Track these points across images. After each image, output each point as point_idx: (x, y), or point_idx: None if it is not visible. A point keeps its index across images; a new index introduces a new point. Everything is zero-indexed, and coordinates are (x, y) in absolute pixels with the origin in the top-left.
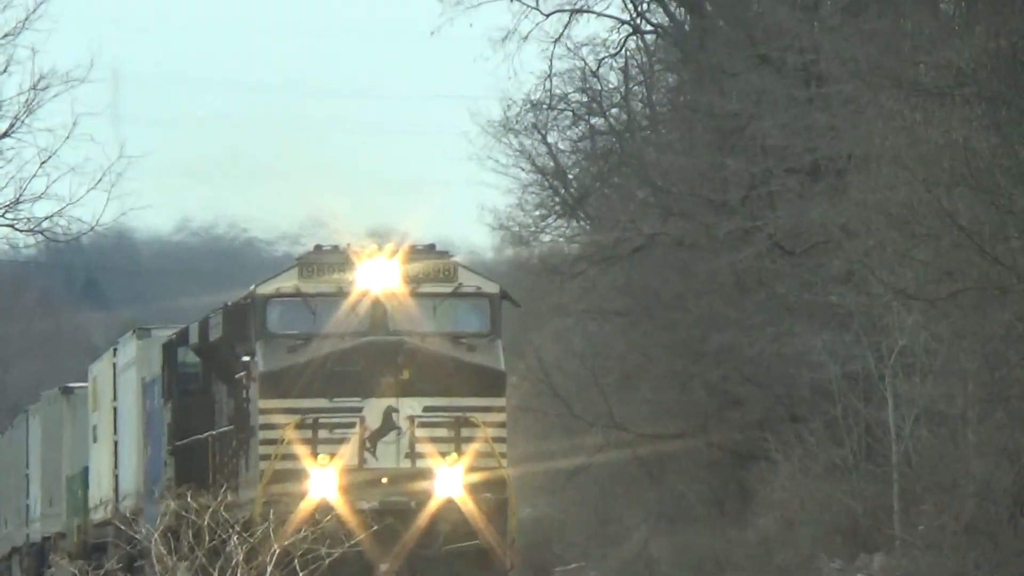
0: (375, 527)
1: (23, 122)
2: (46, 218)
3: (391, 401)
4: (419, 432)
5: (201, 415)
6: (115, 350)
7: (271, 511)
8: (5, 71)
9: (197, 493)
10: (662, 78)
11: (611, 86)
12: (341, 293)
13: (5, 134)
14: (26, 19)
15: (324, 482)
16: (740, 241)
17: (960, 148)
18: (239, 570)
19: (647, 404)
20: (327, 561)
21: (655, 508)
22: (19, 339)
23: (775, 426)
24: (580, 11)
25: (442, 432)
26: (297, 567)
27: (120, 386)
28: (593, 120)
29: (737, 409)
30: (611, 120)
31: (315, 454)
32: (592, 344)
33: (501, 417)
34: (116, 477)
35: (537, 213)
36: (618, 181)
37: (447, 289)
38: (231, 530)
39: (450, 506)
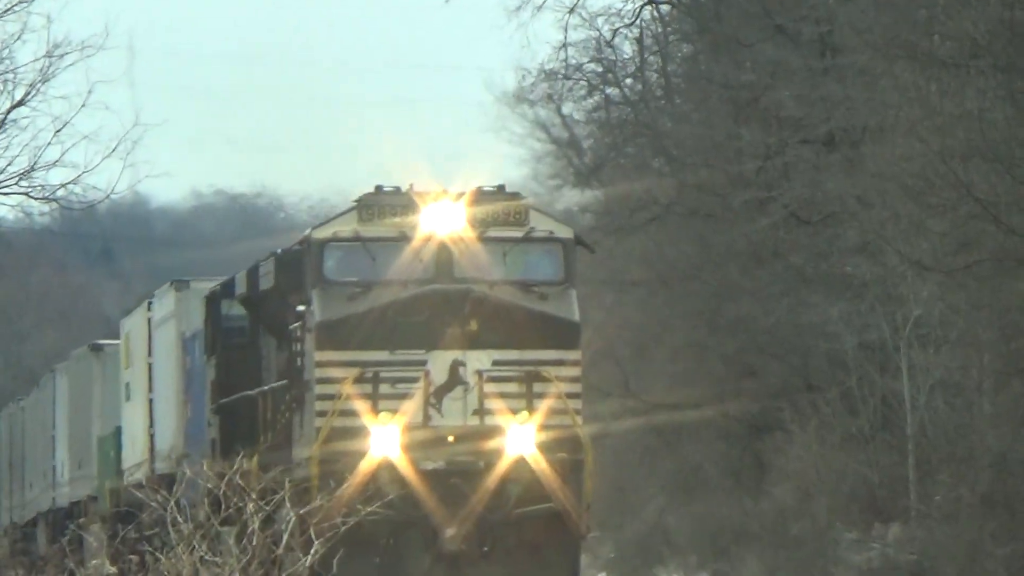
0: (441, 489)
1: (38, 90)
2: (61, 186)
3: (457, 354)
4: (487, 387)
5: (247, 371)
6: (150, 303)
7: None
8: (19, 39)
9: (245, 453)
10: (677, 48)
11: (626, 56)
12: (403, 237)
13: (21, 102)
14: None
15: (386, 440)
16: (755, 211)
17: (975, 119)
18: (289, 536)
19: (663, 374)
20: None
21: (671, 479)
22: (36, 309)
23: (791, 396)
24: None
25: (512, 387)
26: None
27: (156, 341)
28: (608, 90)
29: (753, 380)
30: (626, 90)
31: (376, 410)
32: (608, 314)
33: (575, 371)
34: (152, 437)
35: (552, 183)
36: (633, 151)
37: (517, 233)
38: (284, 492)
39: (521, 466)
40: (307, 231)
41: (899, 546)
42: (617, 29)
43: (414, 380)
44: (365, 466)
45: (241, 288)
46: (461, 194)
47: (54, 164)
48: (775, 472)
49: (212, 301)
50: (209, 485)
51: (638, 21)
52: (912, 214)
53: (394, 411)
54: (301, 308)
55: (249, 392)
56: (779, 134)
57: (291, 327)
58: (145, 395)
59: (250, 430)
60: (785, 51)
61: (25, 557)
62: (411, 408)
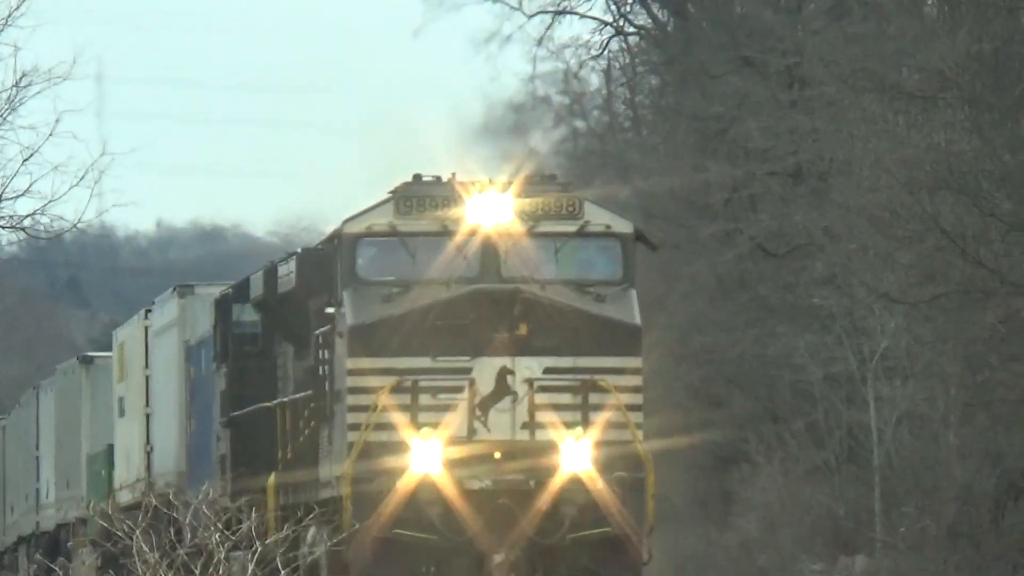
0: (487, 510)
1: (5, 119)
2: (28, 215)
3: (506, 361)
4: (539, 398)
5: (261, 381)
6: (148, 312)
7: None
8: None
9: (261, 471)
10: (645, 80)
11: (593, 88)
12: (445, 232)
13: None
14: (9, 16)
15: (426, 456)
16: (723, 243)
17: (943, 151)
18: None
19: None
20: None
21: None
22: (1, 339)
23: (757, 428)
24: (563, 12)
25: (566, 398)
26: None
27: (155, 351)
28: (575, 122)
29: (719, 411)
30: (593, 122)
31: (415, 423)
32: None
33: (636, 381)
34: (149, 455)
35: None
36: (600, 183)
37: (571, 228)
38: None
39: (576, 486)
40: (338, 224)
41: None
42: (585, 61)
43: (458, 390)
44: (404, 485)
45: (257, 291)
46: (508, 184)
47: (21, 194)
48: (741, 503)
49: (223, 305)
50: (209, 510)
51: (605, 52)
52: (879, 246)
53: (435, 424)
54: (330, 310)
55: (265, 404)
56: (746, 166)
57: (317, 332)
58: (142, 410)
59: (266, 446)
60: (753, 83)
61: None
62: (454, 421)
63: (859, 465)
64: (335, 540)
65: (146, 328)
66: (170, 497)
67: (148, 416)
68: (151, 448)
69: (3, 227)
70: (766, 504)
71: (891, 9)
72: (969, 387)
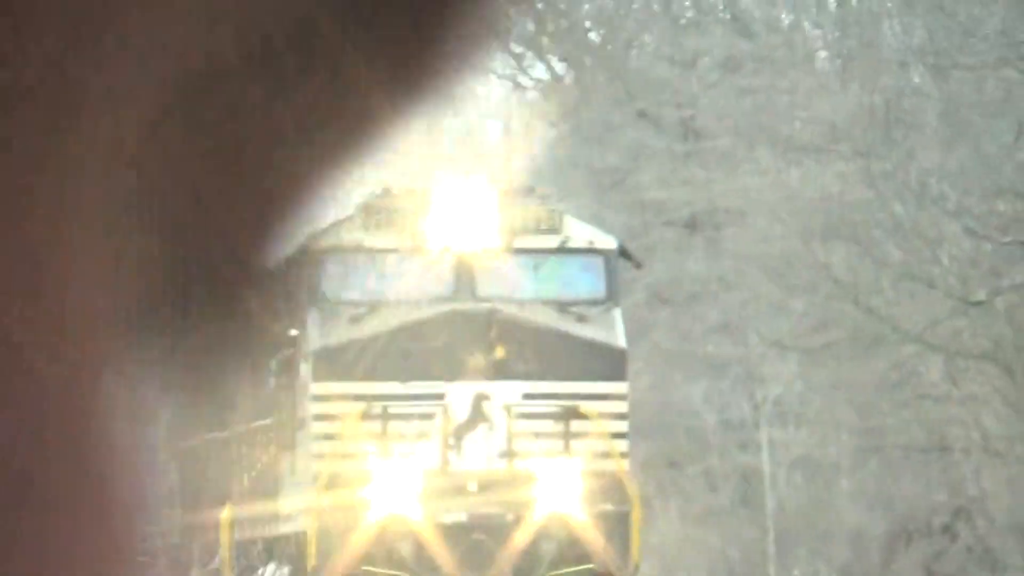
0: (462, 546)
1: None
2: None
3: (481, 385)
4: (517, 425)
5: (213, 409)
6: None
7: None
8: None
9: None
10: (542, 133)
11: (493, 141)
12: (417, 248)
13: None
14: None
15: (397, 488)
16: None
17: (835, 202)
18: None
19: None
20: None
21: None
22: None
23: (653, 472)
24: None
25: (546, 425)
26: None
27: None
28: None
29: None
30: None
31: (385, 452)
32: None
33: (622, 407)
34: None
35: None
36: None
37: (551, 243)
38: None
39: (557, 520)
40: (301, 240)
41: None
42: (484, 114)
43: (430, 417)
44: (373, 519)
45: None
46: (484, 196)
47: None
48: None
49: None
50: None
51: (504, 105)
52: (773, 294)
53: (407, 454)
54: (293, 332)
55: (215, 434)
56: (643, 216)
57: (277, 357)
58: None
59: (218, 477)
60: (648, 135)
61: None
62: (427, 450)
63: (753, 509)
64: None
65: None
66: None
67: None
68: None
69: None
70: (662, 548)
71: (784, 63)
72: (861, 432)
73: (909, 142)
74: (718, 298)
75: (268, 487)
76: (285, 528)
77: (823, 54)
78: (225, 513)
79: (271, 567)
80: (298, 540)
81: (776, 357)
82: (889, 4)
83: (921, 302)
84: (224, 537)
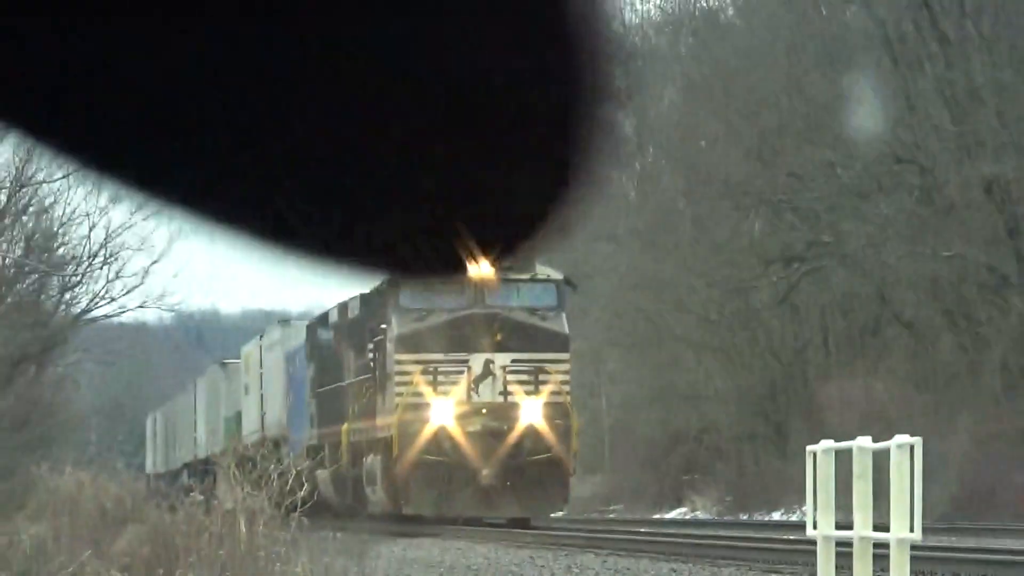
0: (479, 444)
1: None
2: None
3: (489, 355)
4: (509, 377)
5: (334, 372)
6: (260, 335)
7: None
8: None
9: (336, 423)
10: None
11: None
12: (453, 278)
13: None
14: None
15: (443, 411)
16: None
17: (672, 284)
18: (378, 473)
19: None
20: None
21: None
22: (168, 368)
23: None
24: None
25: (525, 377)
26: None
27: (265, 357)
28: None
29: None
30: None
31: (436, 392)
32: None
33: (566, 367)
34: (263, 417)
35: None
36: None
37: (526, 276)
38: (371, 447)
39: (531, 429)
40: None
41: None
42: None
43: (460, 373)
44: (428, 429)
45: (334, 317)
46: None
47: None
48: None
49: (312, 328)
50: (308, 444)
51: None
52: (607, 318)
53: (447, 392)
54: (384, 326)
55: (336, 384)
56: None
57: (375, 339)
58: (258, 391)
59: (338, 407)
60: None
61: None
62: (458, 391)
63: (597, 427)
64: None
65: (260, 346)
66: (278, 439)
67: (262, 395)
68: (264, 413)
69: (164, 309)
70: None
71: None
72: (652, 389)
73: (683, 234)
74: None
75: (367, 413)
76: (379, 435)
77: None
78: (344, 427)
79: (370, 457)
80: (386, 442)
81: (611, 349)
82: None
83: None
84: (344, 440)
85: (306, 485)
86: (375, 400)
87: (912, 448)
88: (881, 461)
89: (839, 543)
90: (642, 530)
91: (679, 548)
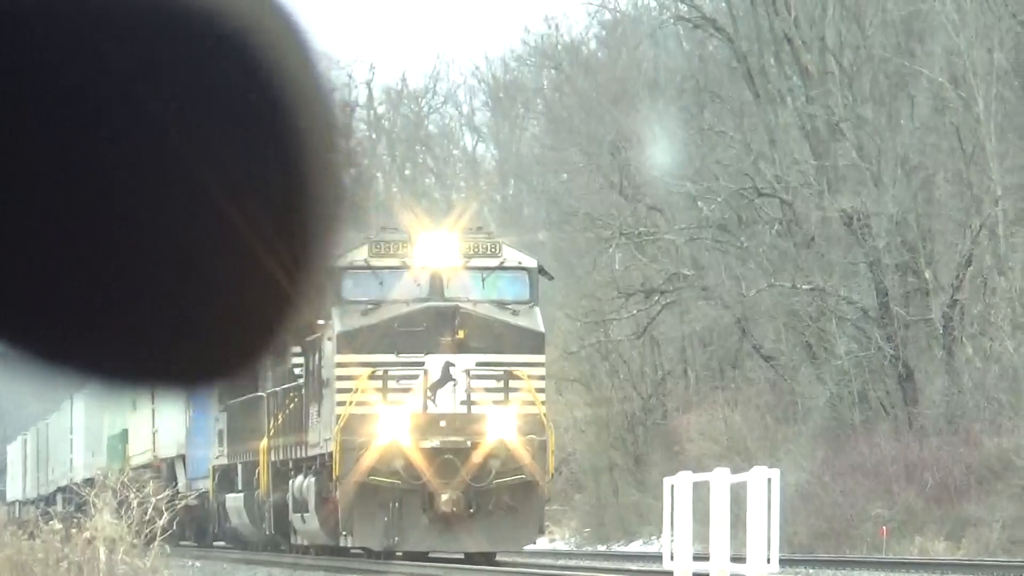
0: (437, 462)
1: None
2: None
3: (448, 356)
4: (473, 383)
5: (246, 381)
6: None
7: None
8: None
9: (249, 440)
10: None
11: None
12: (404, 266)
13: None
14: None
15: (393, 424)
16: None
17: None
18: (309, 497)
19: None
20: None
21: None
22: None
23: None
24: None
25: (492, 383)
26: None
27: None
28: None
29: None
30: None
31: (385, 400)
32: None
33: (541, 371)
34: (154, 435)
35: None
36: None
37: (493, 263)
38: (296, 467)
39: (500, 445)
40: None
41: None
42: None
43: (415, 377)
44: (377, 444)
45: None
46: (450, 232)
47: None
48: None
49: None
50: (214, 464)
51: None
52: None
53: (399, 401)
54: (320, 322)
55: (251, 395)
56: None
57: (306, 339)
58: (149, 405)
59: (253, 423)
60: None
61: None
62: (413, 399)
63: None
64: (320, 484)
65: None
66: (173, 460)
67: (153, 410)
68: (156, 430)
69: None
70: None
71: None
72: (587, 404)
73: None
74: None
75: (295, 427)
76: (313, 452)
77: None
78: (263, 443)
79: (299, 478)
80: (323, 460)
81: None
82: None
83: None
84: (262, 460)
85: (165, 514)
86: (307, 411)
87: (770, 480)
88: (739, 492)
89: (696, 574)
90: (505, 559)
91: None
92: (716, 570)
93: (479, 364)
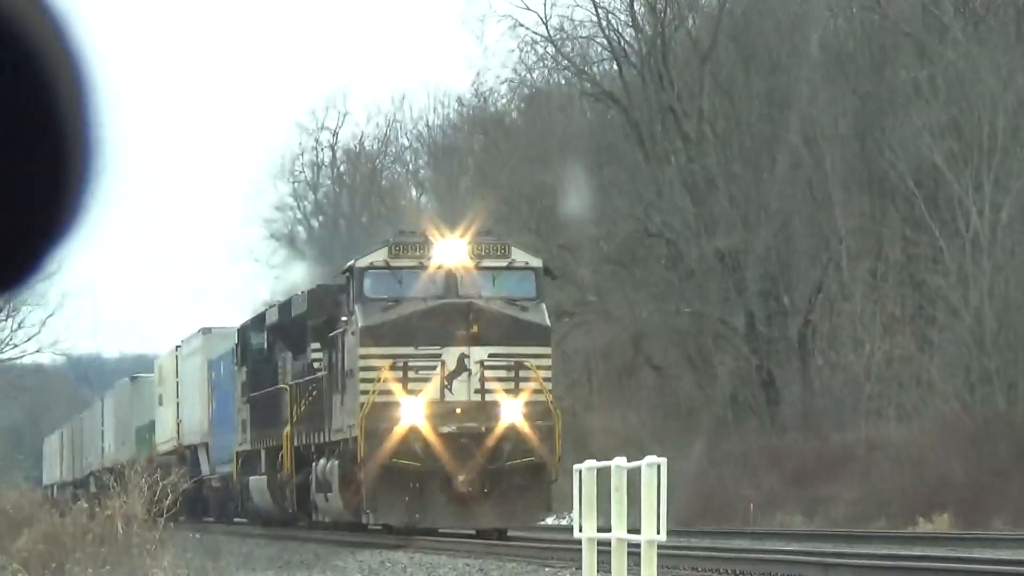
0: (454, 447)
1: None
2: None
3: (463, 349)
4: (486, 373)
5: (270, 375)
6: (177, 347)
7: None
8: None
9: (272, 428)
10: None
11: None
12: (421, 266)
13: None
14: None
15: (413, 411)
16: None
17: None
18: (332, 479)
19: None
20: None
21: None
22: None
23: None
24: None
25: (503, 373)
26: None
27: (183, 366)
28: None
29: None
30: None
31: (406, 389)
32: None
33: (548, 362)
34: (179, 425)
35: None
36: None
37: (503, 263)
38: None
39: (512, 431)
40: (351, 262)
41: None
42: None
43: (432, 368)
44: (399, 430)
45: (272, 318)
46: (463, 235)
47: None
48: None
49: (244, 332)
50: (237, 450)
51: None
52: None
53: (419, 390)
54: (345, 319)
55: (274, 387)
56: None
57: (330, 334)
58: (173, 400)
59: (276, 412)
60: None
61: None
62: (431, 388)
63: None
64: (351, 466)
65: (176, 356)
66: (196, 447)
67: (178, 403)
68: (180, 421)
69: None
70: None
71: None
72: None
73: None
74: None
75: (317, 414)
76: (337, 437)
77: None
78: (287, 431)
79: (322, 461)
80: (346, 444)
81: None
82: None
83: None
84: (286, 445)
85: (170, 495)
86: (330, 400)
87: (659, 467)
88: (634, 477)
89: (600, 543)
90: (446, 533)
91: (473, 547)
92: (616, 539)
93: (492, 356)
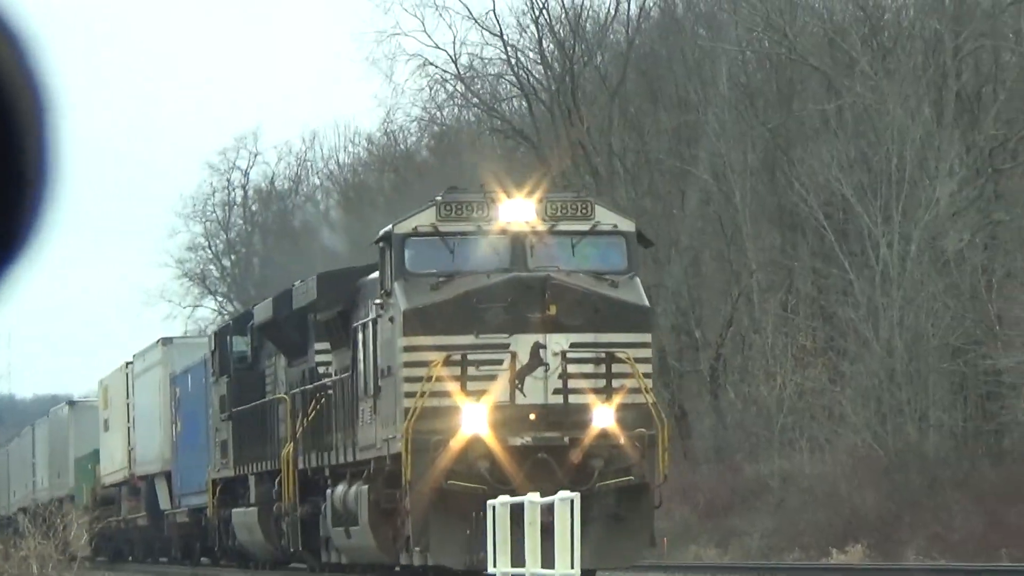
0: (527, 463)
1: None
2: None
3: (538, 337)
4: (570, 368)
5: (254, 386)
6: (128, 363)
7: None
8: None
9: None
10: None
11: None
12: (480, 231)
13: None
14: None
15: (475, 418)
16: None
17: None
18: (364, 506)
19: None
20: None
21: None
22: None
23: None
24: None
25: (590, 368)
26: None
27: (137, 385)
28: None
29: None
30: None
31: (465, 390)
32: None
33: (647, 353)
34: (130, 452)
35: None
36: None
37: (585, 227)
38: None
39: (603, 442)
40: (388, 227)
41: None
42: None
43: (499, 362)
44: (456, 442)
45: (263, 315)
46: (531, 191)
47: None
48: None
49: (221, 336)
50: (214, 478)
51: None
52: None
53: (482, 391)
54: (378, 301)
55: (268, 399)
56: None
57: (355, 324)
58: (124, 424)
59: (269, 429)
60: None
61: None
62: (497, 388)
63: None
64: (386, 491)
65: (127, 373)
66: (154, 477)
67: (129, 428)
68: (132, 447)
69: None
70: None
71: None
72: None
73: None
74: None
75: (328, 428)
76: (368, 455)
77: None
78: (287, 450)
79: (341, 486)
80: (380, 463)
81: None
82: None
83: None
84: (286, 469)
85: (86, 536)
86: (352, 411)
87: (572, 502)
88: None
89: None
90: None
91: None
92: (530, 573)
93: (574, 345)
